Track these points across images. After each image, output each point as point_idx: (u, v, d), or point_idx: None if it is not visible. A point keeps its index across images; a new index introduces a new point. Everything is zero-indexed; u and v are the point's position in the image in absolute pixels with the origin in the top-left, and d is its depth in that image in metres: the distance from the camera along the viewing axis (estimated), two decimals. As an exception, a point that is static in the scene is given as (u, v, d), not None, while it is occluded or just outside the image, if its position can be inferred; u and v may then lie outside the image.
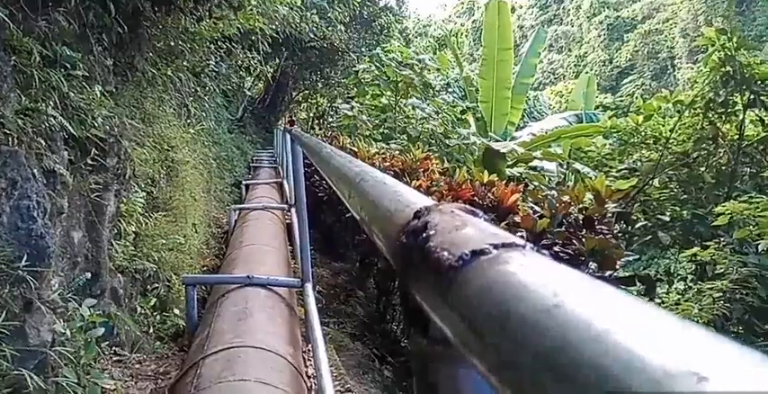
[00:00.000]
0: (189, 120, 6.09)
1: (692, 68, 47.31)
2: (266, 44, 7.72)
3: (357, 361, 4.02)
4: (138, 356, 3.10)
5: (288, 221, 6.20)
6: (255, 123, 17.63)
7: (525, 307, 0.29)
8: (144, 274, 3.63)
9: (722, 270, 5.02)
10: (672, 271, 6.97)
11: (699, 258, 5.42)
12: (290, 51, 13.59)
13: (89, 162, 2.78)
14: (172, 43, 4.63)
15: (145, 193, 3.86)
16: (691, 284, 6.09)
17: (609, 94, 50.73)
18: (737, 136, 6.62)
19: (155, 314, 3.75)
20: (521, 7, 72.24)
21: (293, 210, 5.38)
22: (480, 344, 0.33)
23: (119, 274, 3.30)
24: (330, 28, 12.06)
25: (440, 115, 8.40)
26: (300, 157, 3.74)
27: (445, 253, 0.39)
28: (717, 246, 5.26)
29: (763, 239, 5.01)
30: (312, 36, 10.32)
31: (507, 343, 0.29)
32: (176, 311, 3.95)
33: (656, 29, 52.26)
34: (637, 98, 8.78)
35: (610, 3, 59.67)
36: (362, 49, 12.95)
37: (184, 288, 3.56)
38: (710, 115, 6.75)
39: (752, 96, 6.18)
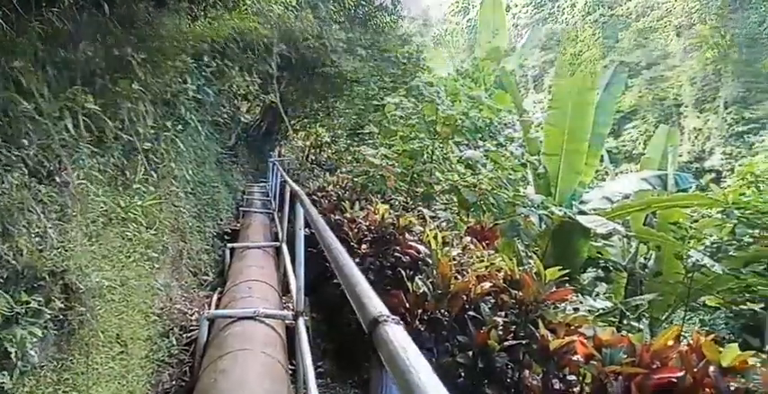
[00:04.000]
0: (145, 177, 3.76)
1: (699, 117, 46.63)
2: (272, 66, 5.51)
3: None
4: None
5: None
6: (249, 152, 15.53)
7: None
8: None
9: None
10: None
11: None
12: (294, 77, 11.53)
13: None
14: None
15: None
16: None
17: (610, 138, 49.63)
18: None
19: None
20: (515, 5, 71.69)
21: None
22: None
23: None
24: (348, 51, 9.96)
25: (502, 172, 6.23)
26: (302, 218, 3.46)
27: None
28: None
29: None
30: (330, 60, 8.16)
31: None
32: None
33: (662, 76, 51.66)
34: (746, 163, 6.73)
35: (604, 1, 59.35)
36: (385, 79, 10.95)
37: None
38: None
39: None
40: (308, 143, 20.90)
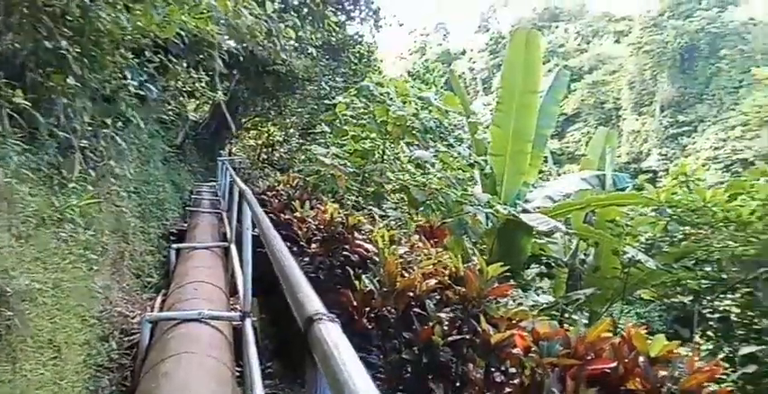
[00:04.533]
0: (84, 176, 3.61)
1: (637, 120, 48.95)
2: (222, 63, 5.41)
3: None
4: None
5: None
6: (198, 151, 15.13)
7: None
8: None
9: None
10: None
11: None
12: (245, 74, 11.34)
13: None
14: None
15: None
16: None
17: (555, 140, 51.38)
18: None
19: None
20: (471, 50, 73.59)
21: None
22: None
23: None
24: (299, 50, 9.88)
25: (451, 172, 6.35)
26: (249, 218, 3.50)
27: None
28: None
29: None
30: (281, 58, 8.07)
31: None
32: None
33: (603, 80, 53.84)
34: (682, 165, 7.17)
35: (558, 52, 61.39)
36: (337, 79, 10.93)
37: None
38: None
39: None
40: (259, 142, 20.58)
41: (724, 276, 6.54)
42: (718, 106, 43.63)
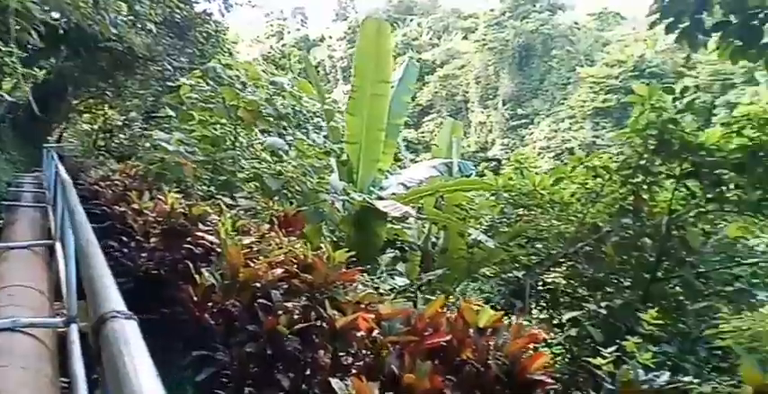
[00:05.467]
0: None
1: (483, 112, 53.08)
2: (35, 35, 4.75)
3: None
4: None
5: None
6: (17, 137, 13.18)
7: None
8: None
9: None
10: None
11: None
12: (73, 51, 10.09)
13: None
14: None
15: None
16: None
17: (412, 130, 53.80)
18: (667, 210, 5.93)
19: None
20: (330, 37, 73.71)
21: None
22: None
23: None
24: (135, 26, 9.04)
25: (307, 160, 6.26)
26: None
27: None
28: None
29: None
30: (111, 33, 7.29)
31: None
32: None
33: (453, 74, 57.29)
34: (508, 153, 7.90)
35: (413, 45, 63.93)
36: (182, 60, 10.17)
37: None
38: (634, 185, 5.98)
39: (689, 167, 5.54)
40: (95, 127, 18.53)
41: (553, 252, 7.38)
42: (550, 101, 48.94)
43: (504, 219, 7.61)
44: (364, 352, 2.68)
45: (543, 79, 49.65)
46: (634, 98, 5.67)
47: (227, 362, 2.81)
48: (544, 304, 7.49)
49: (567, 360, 6.47)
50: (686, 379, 4.20)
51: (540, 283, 7.50)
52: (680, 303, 6.90)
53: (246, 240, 3.15)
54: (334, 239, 7.37)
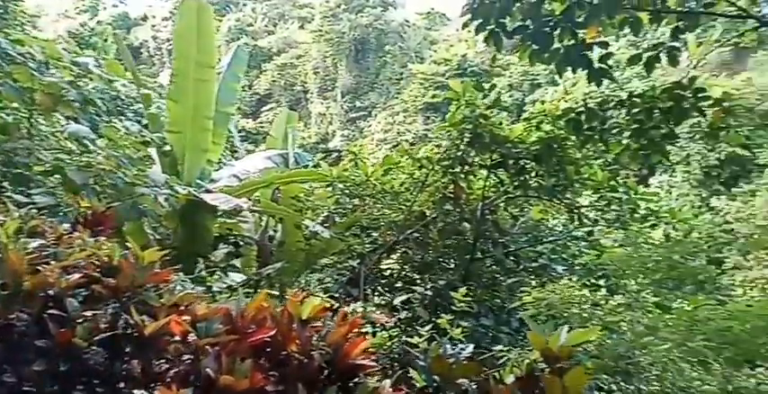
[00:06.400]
0: None
1: (322, 103, 53.38)
2: None
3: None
4: None
5: None
6: None
7: None
8: None
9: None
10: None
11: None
12: None
13: None
14: None
15: None
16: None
17: (250, 120, 52.12)
18: (482, 197, 6.52)
19: None
20: (154, 17, 67.83)
21: None
22: None
23: None
24: None
25: (120, 150, 5.62)
26: None
27: None
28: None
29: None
30: None
31: None
32: None
33: (291, 63, 56.61)
34: (352, 145, 8.09)
35: (247, 31, 61.69)
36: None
37: None
38: (453, 174, 6.45)
39: (498, 158, 6.13)
40: None
41: (386, 239, 7.72)
42: (385, 95, 50.97)
43: (341, 210, 7.74)
44: (183, 358, 2.50)
45: (379, 73, 51.51)
46: (451, 94, 6.14)
47: (16, 383, 2.42)
48: (381, 290, 7.82)
49: (400, 341, 6.85)
50: (497, 347, 4.68)
51: (377, 270, 7.81)
52: (495, 280, 7.70)
53: (35, 243, 2.73)
54: (159, 237, 6.81)
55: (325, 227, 7.26)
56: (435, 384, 2.20)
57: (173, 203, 6.22)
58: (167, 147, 6.98)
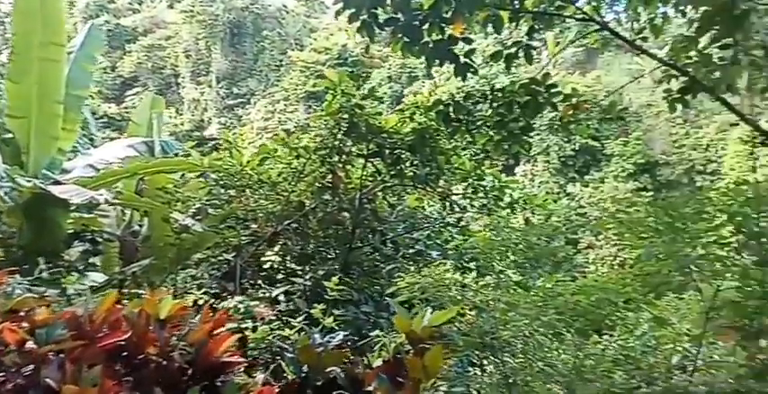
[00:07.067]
0: None
1: (196, 89, 50.31)
2: None
3: None
4: None
5: None
6: None
7: None
8: None
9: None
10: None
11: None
12: None
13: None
14: None
15: None
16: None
17: (113, 104, 47.73)
18: (359, 186, 6.53)
19: None
20: None
21: None
22: None
23: None
24: None
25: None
26: None
27: None
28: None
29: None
30: None
31: None
32: None
33: (159, 44, 52.71)
34: (225, 132, 7.73)
35: (108, 8, 56.26)
36: None
37: None
38: (331, 163, 6.40)
39: (374, 147, 6.19)
40: None
41: (267, 231, 7.50)
42: (265, 81, 49.41)
43: (215, 202, 7.39)
44: (24, 369, 2.24)
45: (257, 59, 49.80)
46: (327, 83, 6.10)
47: None
48: (261, 283, 7.61)
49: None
50: (374, 333, 4.78)
51: (256, 263, 7.58)
52: (376, 267, 7.87)
53: None
54: (1, 235, 6.03)
55: (198, 219, 6.89)
56: (304, 374, 2.19)
57: (14, 197, 5.50)
58: (8, 135, 6.14)
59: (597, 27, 5.17)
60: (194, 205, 7.22)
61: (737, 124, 26.52)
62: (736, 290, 4.79)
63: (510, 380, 5.49)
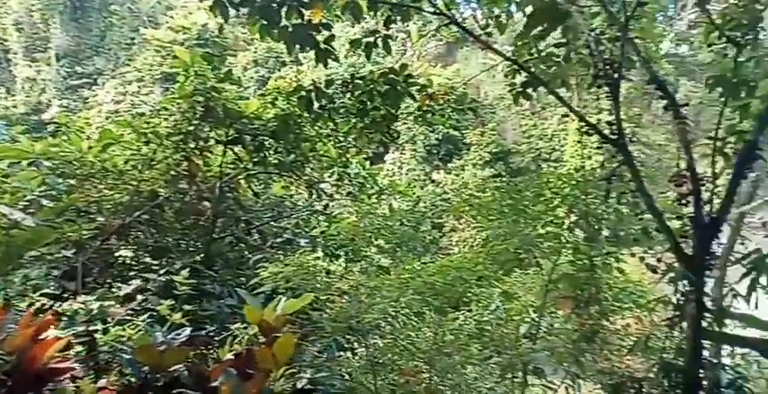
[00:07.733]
0: None
1: (31, 66, 44.19)
2: None
3: None
4: None
5: None
6: None
7: None
8: None
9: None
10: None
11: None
12: None
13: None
14: None
15: None
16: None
17: None
18: (220, 174, 6.15)
19: None
20: None
21: None
22: None
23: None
24: None
25: None
26: None
27: None
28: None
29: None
30: None
31: None
32: None
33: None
34: (61, 115, 6.85)
35: None
36: None
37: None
38: (186, 150, 5.95)
39: (234, 133, 5.86)
40: None
41: (111, 224, 6.85)
42: (114, 60, 44.95)
43: (51, 193, 6.57)
44: None
45: (104, 36, 45.12)
46: (179, 63, 5.69)
47: None
48: (111, 280, 6.96)
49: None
50: (235, 326, 4.62)
51: (104, 259, 6.91)
52: (242, 258, 7.60)
53: None
54: None
55: (30, 213, 6.07)
56: (144, 375, 2.03)
57: None
58: None
59: (449, 21, 5.42)
60: (25, 197, 6.35)
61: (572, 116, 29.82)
62: (570, 264, 5.41)
63: (377, 361, 5.66)
